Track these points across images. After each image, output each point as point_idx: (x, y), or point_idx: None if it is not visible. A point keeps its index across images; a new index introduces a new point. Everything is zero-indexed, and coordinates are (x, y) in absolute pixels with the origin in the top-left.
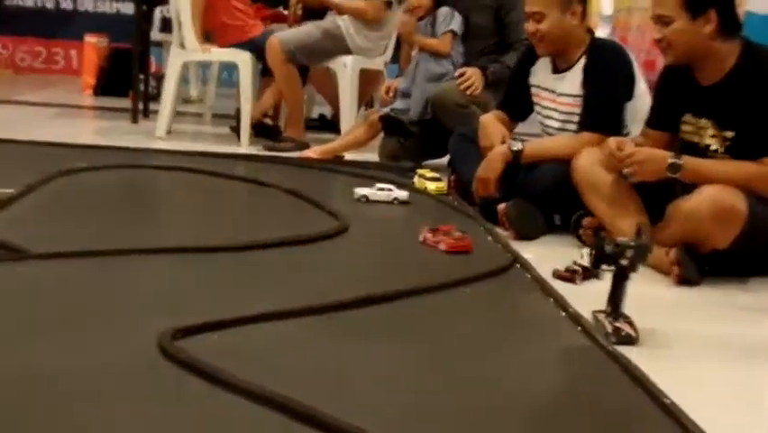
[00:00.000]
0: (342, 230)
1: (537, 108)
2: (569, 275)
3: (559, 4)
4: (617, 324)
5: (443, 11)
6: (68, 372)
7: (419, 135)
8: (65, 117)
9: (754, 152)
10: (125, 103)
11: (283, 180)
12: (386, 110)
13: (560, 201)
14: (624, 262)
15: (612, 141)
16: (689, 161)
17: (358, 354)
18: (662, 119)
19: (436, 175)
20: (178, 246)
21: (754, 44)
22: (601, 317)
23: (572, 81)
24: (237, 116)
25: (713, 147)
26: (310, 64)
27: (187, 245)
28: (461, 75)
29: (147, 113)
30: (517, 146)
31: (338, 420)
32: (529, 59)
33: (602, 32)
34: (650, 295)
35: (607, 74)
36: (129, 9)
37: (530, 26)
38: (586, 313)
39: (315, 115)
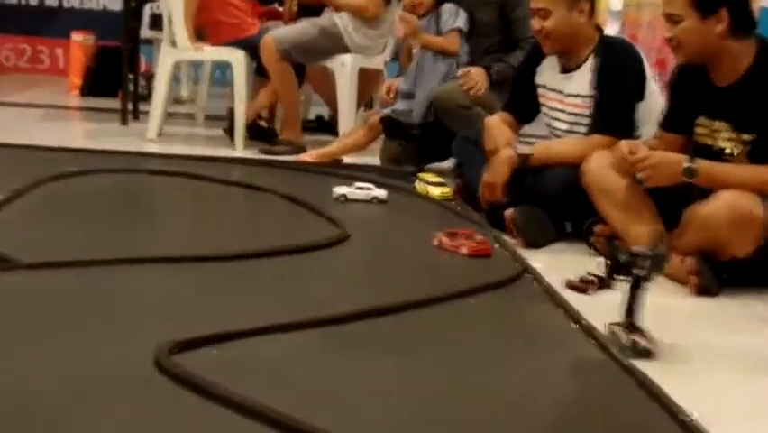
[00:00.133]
0: (343, 238)
1: (544, 109)
2: (581, 285)
3: (565, 1)
4: (633, 336)
5: (448, 7)
6: (59, 386)
7: (421, 138)
8: (51, 119)
9: None
10: (114, 104)
11: (280, 185)
12: (386, 111)
13: (570, 207)
14: (639, 271)
15: (624, 144)
16: (704, 165)
17: (360, 368)
18: (676, 121)
19: (440, 179)
20: (173, 255)
21: None
22: (616, 329)
23: (581, 81)
24: (230, 117)
25: (728, 150)
26: (307, 63)
27: (181, 254)
28: (465, 75)
29: (137, 114)
30: (525, 149)
31: None
32: (535, 57)
33: (611, 29)
34: (667, 306)
35: (617, 74)
36: (117, 5)
37: (535, 23)
38: (600, 325)
39: (312, 116)
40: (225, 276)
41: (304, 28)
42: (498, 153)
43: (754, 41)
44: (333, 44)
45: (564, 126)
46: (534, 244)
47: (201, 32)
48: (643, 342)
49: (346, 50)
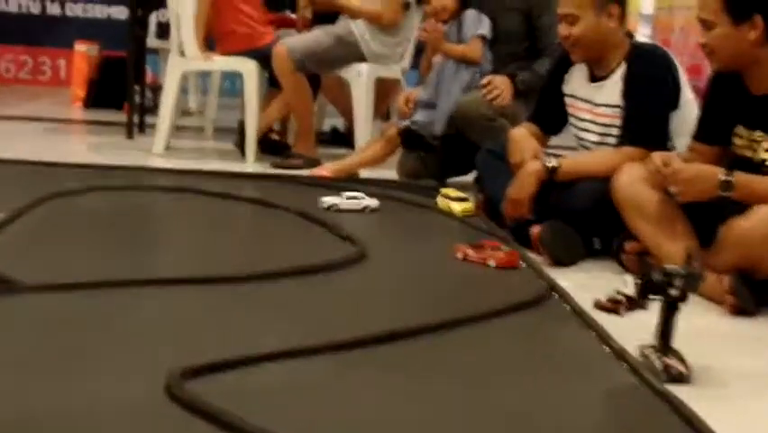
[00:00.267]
0: (361, 257)
1: (573, 120)
2: (612, 306)
3: (593, 6)
4: (667, 360)
5: (471, 14)
6: (64, 415)
7: (441, 151)
8: (53, 133)
9: None
10: (119, 116)
11: (293, 201)
12: (405, 123)
13: (599, 223)
14: (673, 291)
15: (657, 156)
16: (741, 178)
17: (379, 396)
18: (712, 132)
19: (462, 195)
20: (182, 277)
21: None
22: (649, 352)
23: (611, 90)
24: (241, 130)
25: None
26: (321, 73)
27: (191, 275)
28: (488, 84)
29: (143, 127)
30: (552, 162)
31: None
32: (563, 66)
33: (642, 33)
34: (702, 327)
35: (649, 82)
36: (122, 14)
37: (563, 29)
38: (631, 348)
39: (326, 128)
40: (237, 298)
41: (318, 36)
42: (524, 167)
43: None
44: (349, 53)
45: (594, 138)
46: (562, 261)
47: (209, 42)
48: (677, 365)
49: (362, 58)
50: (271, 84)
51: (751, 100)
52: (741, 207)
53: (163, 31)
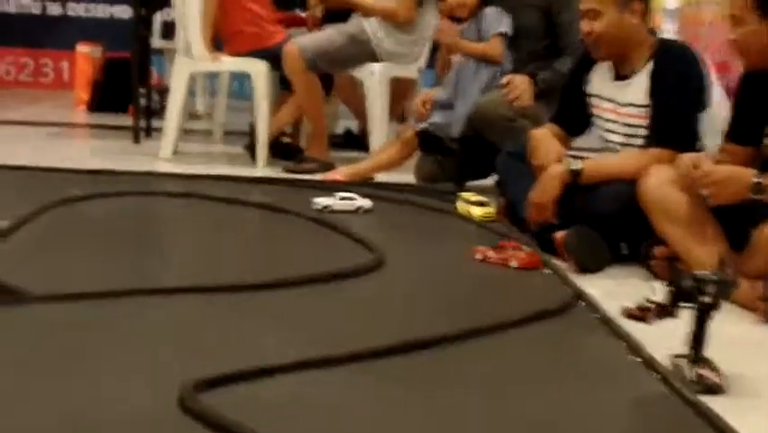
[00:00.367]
0: (378, 264)
1: (597, 121)
2: (640, 313)
3: (616, 1)
4: (700, 370)
5: (491, 11)
6: (76, 428)
7: (460, 153)
8: (56, 138)
9: None
10: (124, 120)
11: (307, 207)
12: (423, 125)
13: (626, 227)
14: (706, 298)
15: (686, 157)
16: None
17: (401, 407)
18: (743, 132)
19: (482, 199)
20: (192, 286)
21: None
22: (681, 362)
23: (637, 89)
24: (251, 134)
25: None
26: (333, 73)
27: (201, 284)
28: (508, 84)
29: (149, 131)
30: (576, 165)
31: None
32: (585, 64)
33: (667, 29)
34: (735, 335)
35: (677, 80)
36: (126, 13)
37: (584, 25)
38: (661, 357)
39: (339, 130)
40: (249, 308)
41: (330, 35)
42: (547, 169)
43: None
44: (362, 52)
45: (619, 139)
46: (588, 268)
47: (217, 42)
48: (709, 375)
49: (376, 57)
50: (282, 85)
51: None
52: None
53: (168, 30)
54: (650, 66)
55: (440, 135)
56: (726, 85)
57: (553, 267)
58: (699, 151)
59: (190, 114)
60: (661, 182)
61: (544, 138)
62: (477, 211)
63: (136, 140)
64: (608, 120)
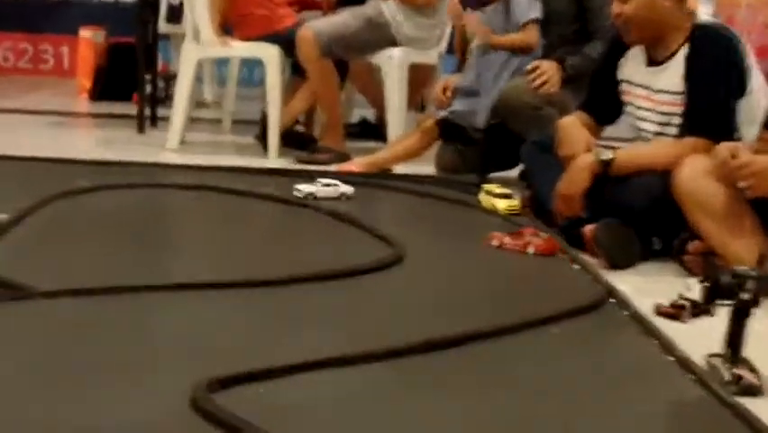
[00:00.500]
0: (398, 259)
1: (629, 108)
2: (674, 311)
3: None
4: (737, 370)
5: None
6: (84, 428)
7: (484, 143)
8: (57, 127)
9: None
10: (129, 109)
11: (321, 199)
12: (443, 113)
13: (659, 221)
14: (745, 295)
15: (724, 147)
16: None
17: (427, 409)
18: None
19: (506, 191)
20: (204, 281)
21: None
22: (717, 362)
23: (672, 75)
24: (262, 123)
25: None
26: (349, 59)
27: (212, 280)
28: (534, 69)
29: (155, 120)
30: (607, 155)
31: None
32: (617, 49)
33: (703, 11)
34: None
35: (714, 66)
36: None
37: (615, 7)
38: (697, 357)
39: (355, 119)
40: (265, 304)
41: (346, 19)
42: (576, 160)
43: None
44: (380, 36)
45: (653, 127)
46: (619, 264)
47: (225, 27)
48: (748, 376)
49: (394, 42)
50: (295, 72)
51: None
52: None
53: (174, 14)
54: (685, 51)
55: (462, 124)
56: (765, 70)
57: (581, 262)
58: (736, 140)
59: (198, 102)
60: (696, 173)
61: (572, 127)
62: (501, 204)
63: (141, 129)
64: (640, 108)
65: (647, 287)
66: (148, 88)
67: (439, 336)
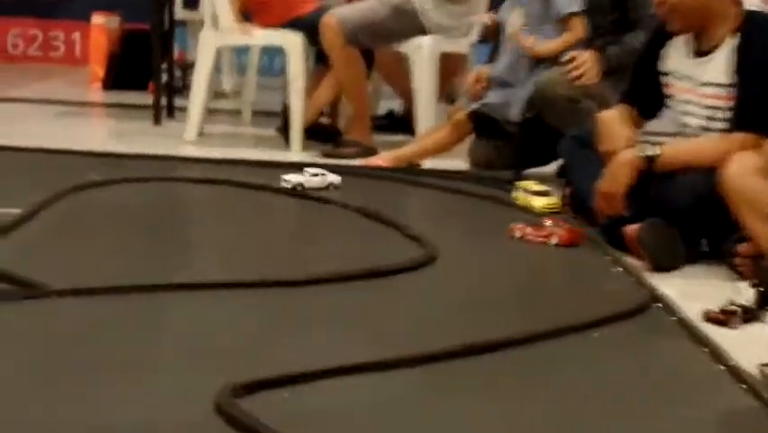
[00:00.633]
0: (431, 259)
1: (672, 102)
2: (723, 317)
3: None
4: None
5: None
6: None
7: (519, 137)
8: (69, 117)
9: None
10: (144, 99)
11: (346, 195)
12: (476, 105)
13: (706, 221)
14: None
15: None
16: None
17: (462, 416)
18: None
19: (543, 188)
20: (226, 281)
21: None
22: None
23: (719, 67)
24: (284, 114)
25: None
26: (376, 47)
27: (235, 279)
28: (572, 60)
29: (172, 111)
30: (650, 151)
31: None
32: (659, 39)
33: (750, 2)
34: None
35: (763, 57)
36: None
37: None
38: (748, 365)
39: (382, 111)
40: (289, 306)
41: (372, 5)
42: (617, 156)
43: None
44: (408, 24)
45: (698, 122)
46: (663, 266)
47: (245, 14)
48: None
49: (423, 30)
50: (319, 61)
51: None
52: None
53: (191, 0)
54: (734, 41)
55: (495, 117)
56: None
57: (624, 264)
58: None
59: (216, 92)
60: (744, 171)
61: (613, 121)
62: (538, 202)
63: (157, 120)
64: (684, 101)
65: (694, 291)
66: (164, 77)
67: (477, 341)
